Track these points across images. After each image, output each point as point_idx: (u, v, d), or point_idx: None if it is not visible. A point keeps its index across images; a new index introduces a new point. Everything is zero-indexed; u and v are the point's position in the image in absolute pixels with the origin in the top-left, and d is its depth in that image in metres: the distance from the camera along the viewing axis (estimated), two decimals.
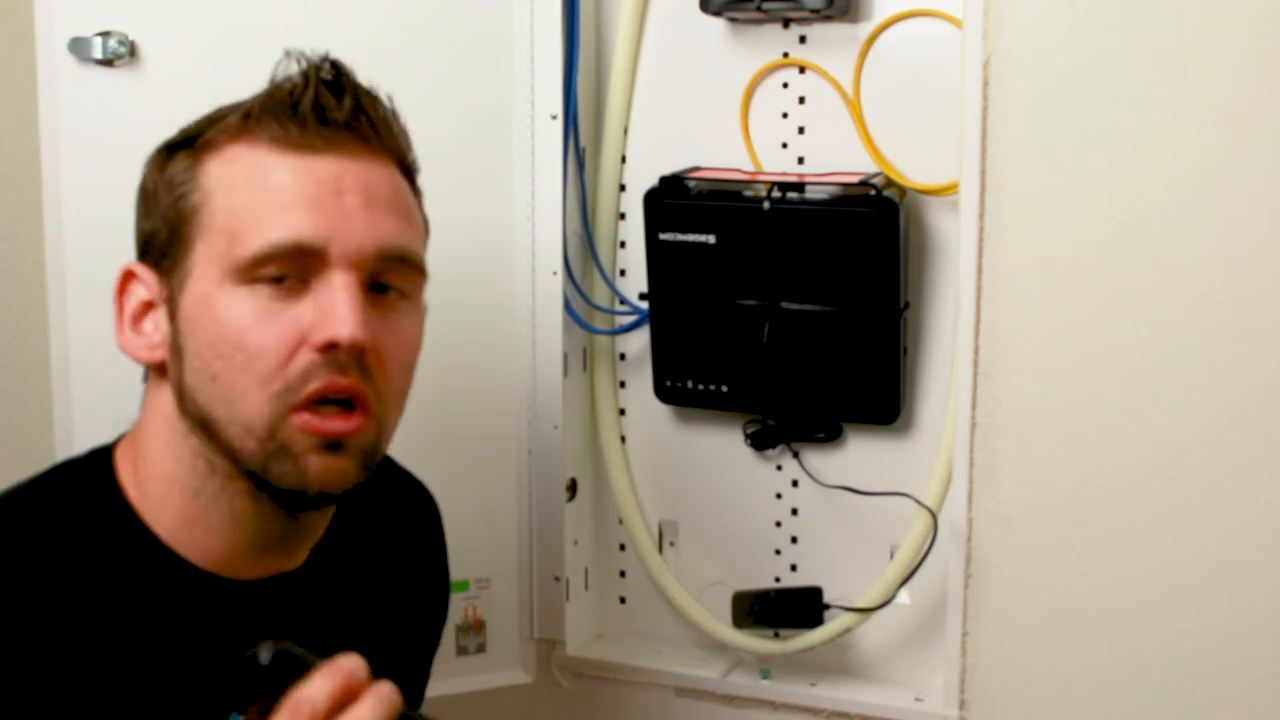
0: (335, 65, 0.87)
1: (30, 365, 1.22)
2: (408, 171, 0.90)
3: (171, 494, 0.86)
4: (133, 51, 1.16)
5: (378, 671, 0.83)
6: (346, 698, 0.73)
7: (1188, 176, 1.08)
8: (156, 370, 0.87)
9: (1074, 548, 1.16)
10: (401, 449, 1.05)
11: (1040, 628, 1.18)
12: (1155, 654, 1.15)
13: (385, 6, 1.25)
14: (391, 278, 0.86)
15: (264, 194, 0.83)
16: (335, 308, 0.81)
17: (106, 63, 1.15)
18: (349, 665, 0.74)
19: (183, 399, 0.84)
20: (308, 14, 1.21)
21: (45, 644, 0.80)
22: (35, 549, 0.82)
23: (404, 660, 1.01)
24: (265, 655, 0.74)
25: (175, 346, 0.85)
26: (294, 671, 0.74)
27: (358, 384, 0.82)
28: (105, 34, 1.15)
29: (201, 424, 0.83)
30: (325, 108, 0.84)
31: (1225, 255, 1.08)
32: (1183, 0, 1.07)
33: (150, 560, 0.85)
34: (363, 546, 0.97)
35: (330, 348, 0.81)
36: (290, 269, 0.82)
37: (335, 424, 0.82)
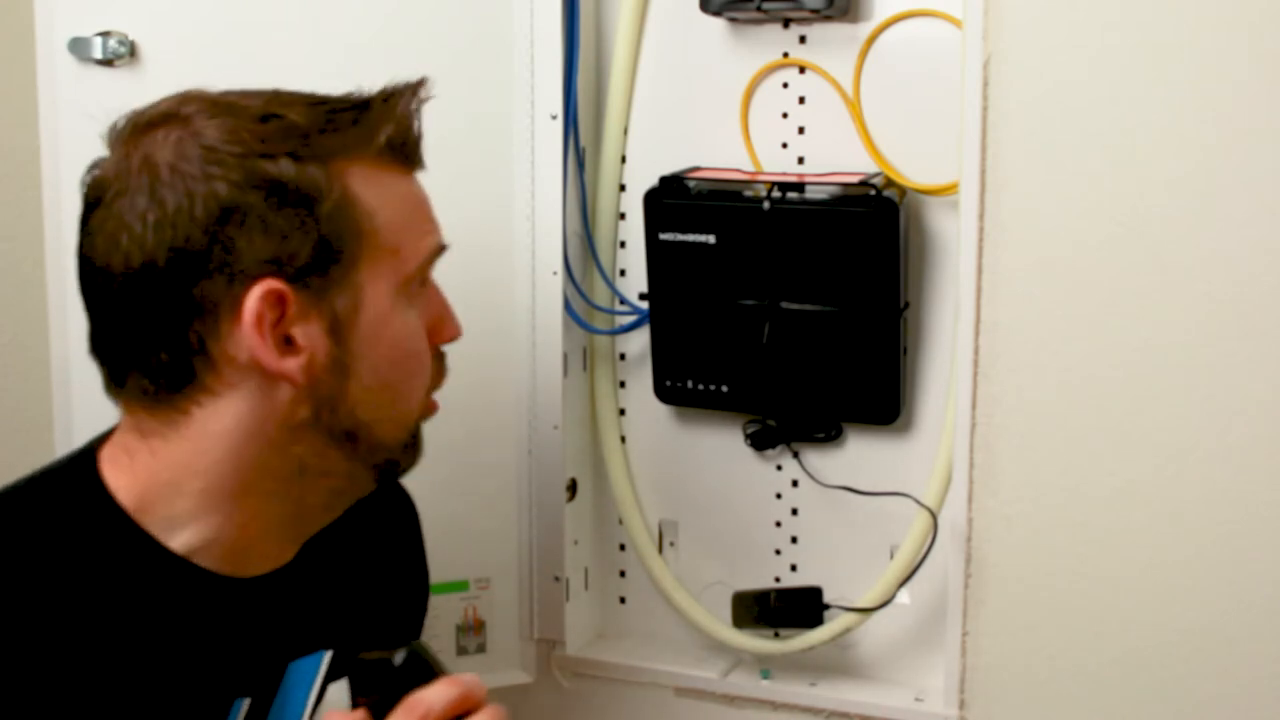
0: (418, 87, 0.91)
1: (30, 365, 1.22)
2: None
3: (203, 504, 0.85)
4: (133, 51, 1.16)
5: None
6: (463, 709, 0.78)
7: (1188, 176, 1.08)
8: (268, 384, 0.84)
9: (1074, 548, 1.16)
10: None
11: (1040, 628, 1.18)
12: (1155, 654, 1.15)
13: (385, 7, 1.25)
14: None
15: (413, 211, 0.90)
16: (446, 306, 0.94)
17: (106, 63, 1.15)
18: (471, 680, 0.79)
19: (333, 413, 0.85)
20: (308, 14, 1.21)
21: (43, 643, 0.80)
22: (29, 549, 0.82)
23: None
24: (399, 657, 0.79)
25: (340, 365, 0.85)
26: (420, 674, 0.79)
27: None
28: (105, 34, 1.15)
29: (349, 433, 0.86)
30: (415, 131, 0.91)
31: (1225, 255, 1.08)
32: (1183, 0, 1.07)
33: (148, 559, 0.85)
34: (345, 542, 0.98)
35: (451, 340, 0.94)
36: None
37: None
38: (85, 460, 0.88)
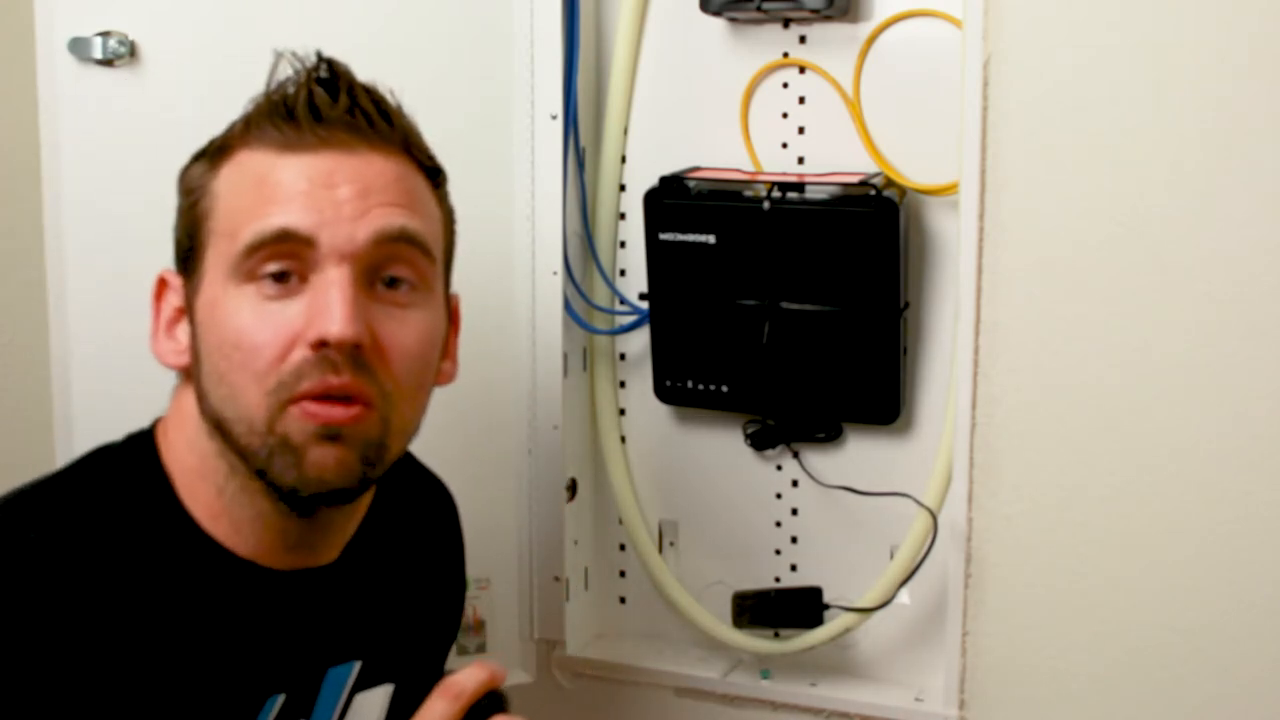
0: (330, 64, 0.87)
1: (30, 365, 1.22)
2: (421, 163, 0.90)
3: (199, 488, 0.87)
4: (133, 51, 1.16)
5: (403, 667, 0.91)
6: (490, 688, 0.84)
7: (1188, 176, 1.08)
8: (185, 373, 0.89)
9: (1074, 548, 1.16)
10: None
11: (1040, 628, 1.18)
12: (1155, 654, 1.15)
13: (385, 6, 1.25)
14: (398, 267, 0.86)
15: (259, 192, 0.83)
16: (327, 304, 0.81)
17: (106, 63, 1.15)
18: (496, 666, 0.84)
19: (202, 401, 0.85)
20: (307, 14, 1.21)
21: (87, 623, 0.80)
22: (82, 530, 0.82)
23: (426, 655, 1.02)
24: None
25: (195, 350, 0.86)
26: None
27: (353, 382, 0.82)
28: (105, 34, 1.15)
29: (217, 425, 0.84)
30: (319, 106, 0.85)
31: (1225, 255, 1.08)
32: (1182, 0, 1.07)
33: (191, 544, 0.86)
34: (392, 544, 0.98)
35: (321, 345, 0.81)
36: (286, 263, 0.82)
37: (333, 411, 0.82)
38: (142, 437, 0.90)
